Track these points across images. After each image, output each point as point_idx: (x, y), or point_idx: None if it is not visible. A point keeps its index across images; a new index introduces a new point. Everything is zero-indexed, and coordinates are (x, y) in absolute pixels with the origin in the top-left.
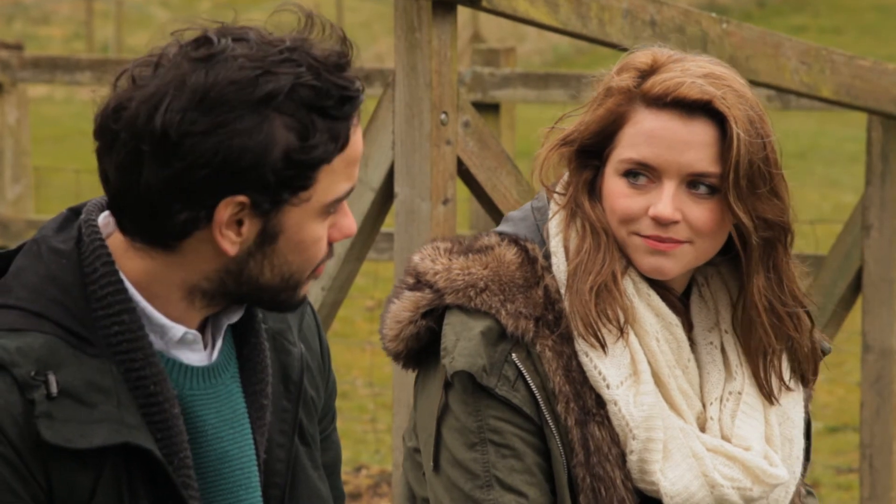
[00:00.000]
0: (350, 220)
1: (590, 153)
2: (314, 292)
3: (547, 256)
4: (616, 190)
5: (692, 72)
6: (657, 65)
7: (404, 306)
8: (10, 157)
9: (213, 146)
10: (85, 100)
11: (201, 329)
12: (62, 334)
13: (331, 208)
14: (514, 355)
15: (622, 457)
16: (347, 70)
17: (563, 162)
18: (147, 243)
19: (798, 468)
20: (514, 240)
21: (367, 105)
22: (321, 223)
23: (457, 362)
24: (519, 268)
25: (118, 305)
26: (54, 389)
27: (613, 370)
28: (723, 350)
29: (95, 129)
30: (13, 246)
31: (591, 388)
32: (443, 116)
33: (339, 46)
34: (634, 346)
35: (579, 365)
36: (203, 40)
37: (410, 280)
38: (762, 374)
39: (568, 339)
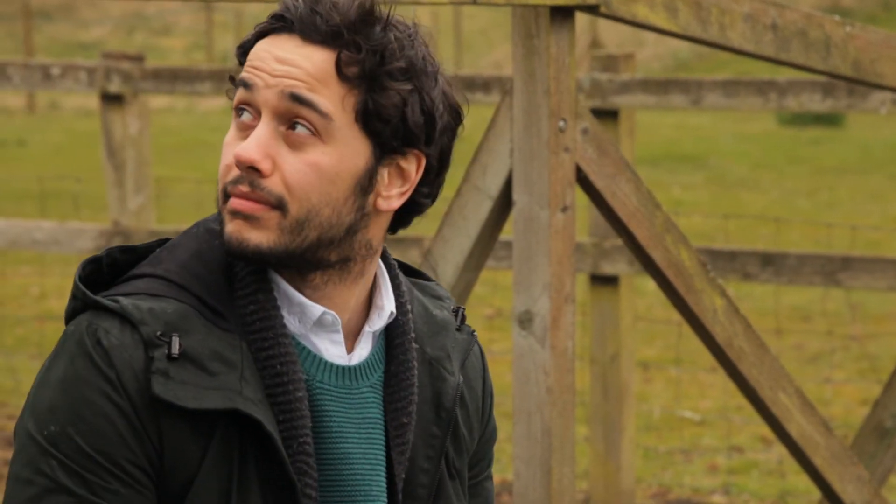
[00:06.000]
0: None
1: None
2: None
3: None
4: None
5: None
6: None
7: None
8: (133, 168)
9: None
10: (205, 110)
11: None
12: (197, 305)
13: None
14: None
15: None
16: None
17: None
18: None
19: None
20: None
21: (486, 113)
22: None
23: None
24: None
25: (255, 284)
26: (176, 350)
27: None
28: None
29: None
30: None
31: None
32: (561, 123)
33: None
34: None
35: None
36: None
37: None
38: None
39: None
